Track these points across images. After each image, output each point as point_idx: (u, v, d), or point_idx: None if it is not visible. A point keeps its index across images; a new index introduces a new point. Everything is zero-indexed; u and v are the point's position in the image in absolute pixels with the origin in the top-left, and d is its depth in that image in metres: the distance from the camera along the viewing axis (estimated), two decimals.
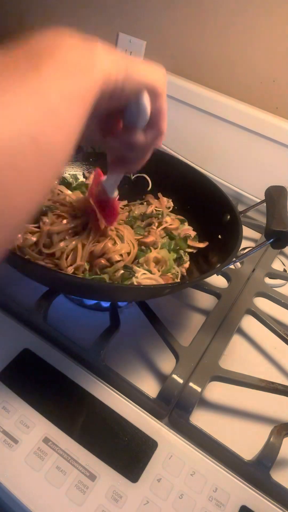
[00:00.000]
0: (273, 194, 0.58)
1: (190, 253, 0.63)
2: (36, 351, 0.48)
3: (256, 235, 0.81)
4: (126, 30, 0.90)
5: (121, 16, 0.89)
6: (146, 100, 0.35)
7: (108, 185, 0.48)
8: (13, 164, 0.21)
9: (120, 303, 0.58)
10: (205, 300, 0.64)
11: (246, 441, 0.47)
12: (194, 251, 0.63)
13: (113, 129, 0.38)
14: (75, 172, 0.69)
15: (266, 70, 0.79)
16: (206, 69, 0.85)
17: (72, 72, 0.25)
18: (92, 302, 0.58)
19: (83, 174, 0.69)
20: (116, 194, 0.50)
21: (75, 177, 0.69)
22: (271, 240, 0.51)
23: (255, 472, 0.42)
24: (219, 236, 0.60)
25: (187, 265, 0.61)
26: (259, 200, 0.64)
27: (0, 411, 0.42)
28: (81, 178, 0.69)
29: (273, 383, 0.49)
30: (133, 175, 0.70)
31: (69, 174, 0.68)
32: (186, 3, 0.80)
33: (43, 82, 0.23)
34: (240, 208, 0.71)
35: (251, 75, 0.81)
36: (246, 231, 0.82)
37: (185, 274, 0.60)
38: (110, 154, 0.42)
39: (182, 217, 0.67)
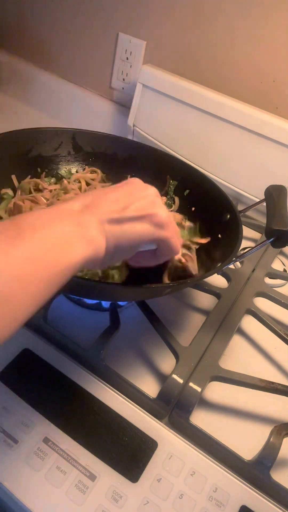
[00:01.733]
0: (273, 193, 0.58)
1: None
2: (36, 351, 0.48)
3: (256, 235, 0.81)
4: (126, 30, 0.90)
5: (121, 16, 0.89)
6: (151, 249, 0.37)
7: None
8: None
9: (120, 303, 0.58)
10: (205, 300, 0.64)
11: (246, 441, 0.47)
12: (196, 246, 0.63)
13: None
14: (71, 167, 0.69)
15: (266, 70, 0.79)
16: (206, 69, 0.85)
17: (50, 248, 0.28)
18: (92, 302, 0.58)
19: (76, 171, 0.69)
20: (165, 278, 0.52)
21: (69, 172, 0.69)
22: (272, 239, 0.51)
23: (255, 472, 0.42)
24: (219, 235, 0.60)
25: (195, 258, 0.61)
26: (259, 200, 0.63)
27: (0, 411, 0.42)
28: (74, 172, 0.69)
29: (273, 383, 0.49)
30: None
31: (64, 171, 0.68)
32: (186, 3, 0.80)
33: (20, 249, 0.27)
34: (240, 207, 0.71)
35: (251, 75, 0.81)
36: (247, 231, 0.82)
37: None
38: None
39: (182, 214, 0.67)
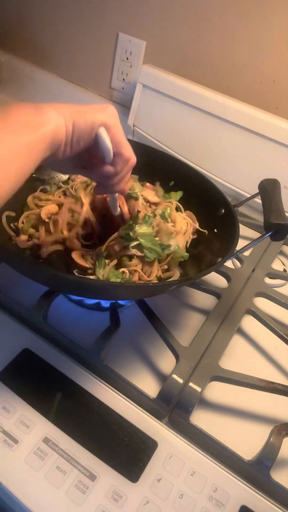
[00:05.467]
0: (267, 187, 0.59)
1: (189, 250, 0.62)
2: (36, 351, 0.48)
3: (253, 233, 0.81)
4: (126, 30, 0.90)
5: (121, 16, 0.89)
6: (104, 135, 0.39)
7: (110, 204, 0.53)
8: None
9: (120, 303, 0.58)
10: (205, 300, 0.64)
11: (246, 441, 0.47)
12: (194, 236, 0.63)
13: (90, 164, 0.43)
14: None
15: (266, 70, 0.79)
16: (206, 69, 0.85)
17: (23, 129, 0.32)
18: (92, 302, 0.58)
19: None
20: (118, 211, 0.54)
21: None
22: (270, 232, 0.52)
23: (255, 472, 0.42)
24: (215, 230, 0.61)
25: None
26: (260, 201, 0.64)
27: (0, 411, 0.42)
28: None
29: (273, 383, 0.49)
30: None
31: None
32: (186, 3, 0.80)
33: None
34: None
35: (251, 75, 0.81)
36: (246, 231, 0.82)
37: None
38: (97, 183, 0.47)
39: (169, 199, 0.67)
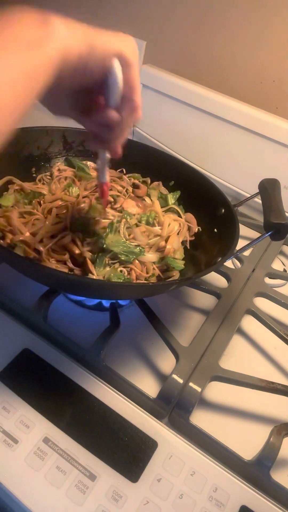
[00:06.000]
0: (267, 187, 0.59)
1: (188, 250, 0.63)
2: (36, 351, 0.48)
3: (255, 234, 0.81)
4: (126, 30, 0.89)
5: (121, 16, 0.89)
6: (117, 70, 0.32)
7: (99, 167, 0.47)
8: None
9: (120, 302, 0.58)
10: (205, 300, 0.64)
11: (246, 441, 0.47)
12: (192, 238, 0.63)
13: (89, 108, 0.36)
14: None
15: (266, 70, 0.79)
16: (206, 69, 0.85)
17: (21, 48, 0.25)
18: (92, 302, 0.58)
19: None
20: (106, 178, 0.48)
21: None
22: (270, 232, 0.52)
23: (255, 472, 0.42)
24: (215, 230, 0.61)
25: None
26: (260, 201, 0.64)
27: (0, 411, 0.42)
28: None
29: (273, 383, 0.49)
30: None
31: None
32: (186, 3, 0.80)
33: None
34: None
35: (251, 75, 0.81)
36: (246, 231, 0.82)
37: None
38: (90, 134, 0.40)
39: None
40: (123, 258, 0.52)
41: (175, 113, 0.84)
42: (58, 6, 0.96)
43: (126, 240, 0.54)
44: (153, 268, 0.55)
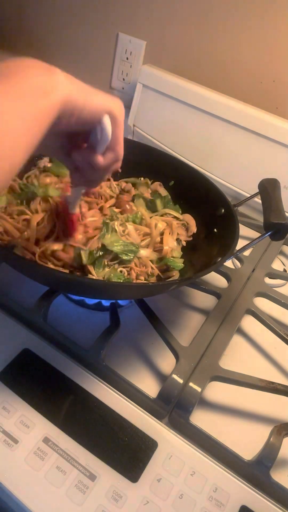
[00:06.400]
0: (267, 187, 0.59)
1: (187, 250, 0.63)
2: (36, 351, 0.48)
3: (255, 234, 0.81)
4: (126, 30, 0.90)
5: (121, 16, 0.89)
6: (108, 125, 0.37)
7: (71, 200, 0.51)
8: None
9: (120, 303, 0.58)
10: (205, 300, 0.64)
11: (246, 441, 0.47)
12: (190, 238, 0.63)
13: (75, 147, 0.41)
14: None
15: (266, 70, 0.79)
16: (206, 69, 0.85)
17: (31, 93, 0.29)
18: (92, 302, 0.58)
19: None
20: (76, 211, 0.52)
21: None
22: (270, 232, 0.52)
23: (255, 472, 0.42)
24: (215, 230, 0.61)
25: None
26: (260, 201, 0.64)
27: (0, 411, 0.42)
28: None
29: (273, 383, 0.49)
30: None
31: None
32: (186, 3, 0.80)
33: (2, 99, 0.27)
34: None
35: (251, 75, 0.81)
36: (246, 231, 0.82)
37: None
38: (72, 171, 0.45)
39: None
40: (124, 258, 0.51)
41: (175, 113, 0.84)
42: (58, 7, 0.96)
43: (122, 236, 0.54)
44: (152, 267, 0.55)
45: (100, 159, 0.40)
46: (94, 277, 0.50)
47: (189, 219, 0.65)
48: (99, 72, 0.99)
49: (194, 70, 0.86)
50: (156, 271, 0.56)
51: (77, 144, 0.41)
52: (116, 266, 0.52)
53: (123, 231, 0.55)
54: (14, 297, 0.54)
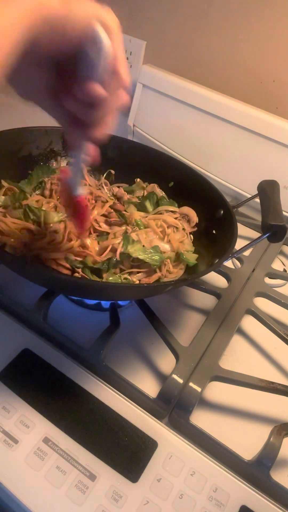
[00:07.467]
0: (266, 188, 0.59)
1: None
2: (36, 351, 0.48)
3: (255, 234, 0.81)
4: (126, 30, 0.90)
5: (121, 16, 0.89)
6: (102, 34, 0.28)
7: (72, 179, 0.40)
8: None
9: (120, 303, 0.58)
10: (205, 300, 0.64)
11: (246, 441, 0.47)
12: (194, 229, 0.63)
13: (67, 85, 0.32)
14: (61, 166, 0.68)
15: (266, 70, 0.79)
16: (206, 69, 0.85)
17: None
18: (92, 302, 0.58)
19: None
20: (80, 191, 0.40)
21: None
22: (268, 234, 0.52)
23: (255, 472, 0.42)
24: (214, 231, 0.61)
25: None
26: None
27: (0, 411, 0.42)
28: None
29: (273, 383, 0.49)
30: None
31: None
32: (186, 3, 0.80)
33: None
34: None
35: (251, 75, 0.81)
36: (242, 230, 0.82)
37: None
38: (67, 122, 0.36)
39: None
40: (150, 262, 0.52)
41: (175, 113, 0.84)
42: None
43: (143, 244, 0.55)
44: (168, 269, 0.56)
45: (99, 89, 0.31)
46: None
47: (188, 210, 0.65)
48: None
49: (194, 70, 0.86)
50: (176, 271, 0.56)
51: (66, 85, 0.32)
52: (125, 275, 0.52)
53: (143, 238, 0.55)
54: (14, 297, 0.54)
